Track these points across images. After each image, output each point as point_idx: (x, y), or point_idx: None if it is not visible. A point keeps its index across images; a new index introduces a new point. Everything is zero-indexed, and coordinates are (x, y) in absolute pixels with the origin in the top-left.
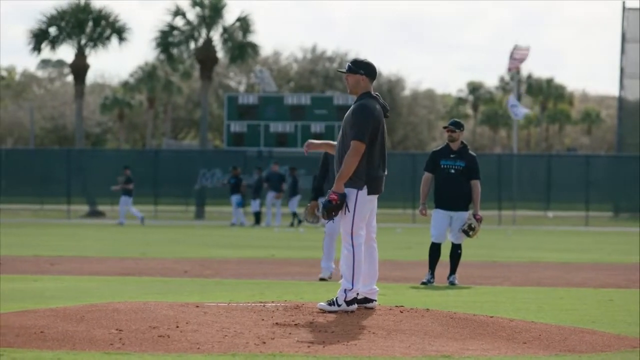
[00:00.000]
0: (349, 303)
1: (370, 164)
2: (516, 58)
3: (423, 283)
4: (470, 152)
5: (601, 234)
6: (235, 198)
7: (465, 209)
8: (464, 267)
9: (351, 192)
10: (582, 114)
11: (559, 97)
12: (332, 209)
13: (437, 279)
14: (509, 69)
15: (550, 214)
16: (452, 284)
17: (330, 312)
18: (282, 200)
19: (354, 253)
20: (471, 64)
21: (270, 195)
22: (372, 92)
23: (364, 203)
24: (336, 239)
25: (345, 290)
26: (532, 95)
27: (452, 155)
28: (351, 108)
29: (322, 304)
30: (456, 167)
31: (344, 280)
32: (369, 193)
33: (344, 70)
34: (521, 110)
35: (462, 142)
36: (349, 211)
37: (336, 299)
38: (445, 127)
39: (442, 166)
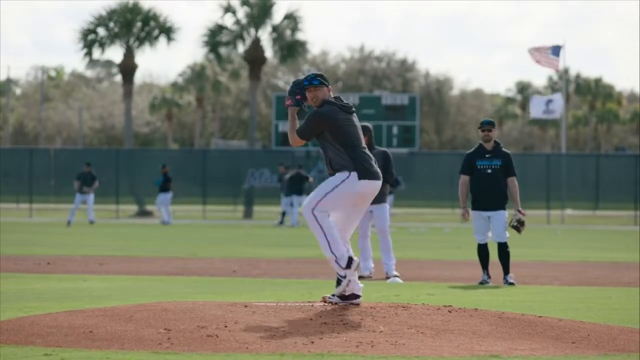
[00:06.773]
0: (347, 267)
1: (360, 158)
2: (542, 57)
3: (480, 283)
4: (504, 149)
5: None
6: (162, 196)
7: (503, 207)
8: (512, 266)
9: (341, 175)
10: (631, 113)
11: (607, 96)
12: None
13: (493, 279)
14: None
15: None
16: (510, 284)
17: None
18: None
19: (318, 220)
20: (519, 63)
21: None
22: (329, 98)
23: (349, 188)
24: (369, 238)
25: (335, 260)
26: (580, 94)
27: (487, 155)
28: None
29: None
30: (493, 167)
31: (326, 254)
32: (360, 177)
33: (320, 84)
34: (557, 105)
35: (495, 141)
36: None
37: (337, 274)
38: (480, 128)
39: (479, 167)
